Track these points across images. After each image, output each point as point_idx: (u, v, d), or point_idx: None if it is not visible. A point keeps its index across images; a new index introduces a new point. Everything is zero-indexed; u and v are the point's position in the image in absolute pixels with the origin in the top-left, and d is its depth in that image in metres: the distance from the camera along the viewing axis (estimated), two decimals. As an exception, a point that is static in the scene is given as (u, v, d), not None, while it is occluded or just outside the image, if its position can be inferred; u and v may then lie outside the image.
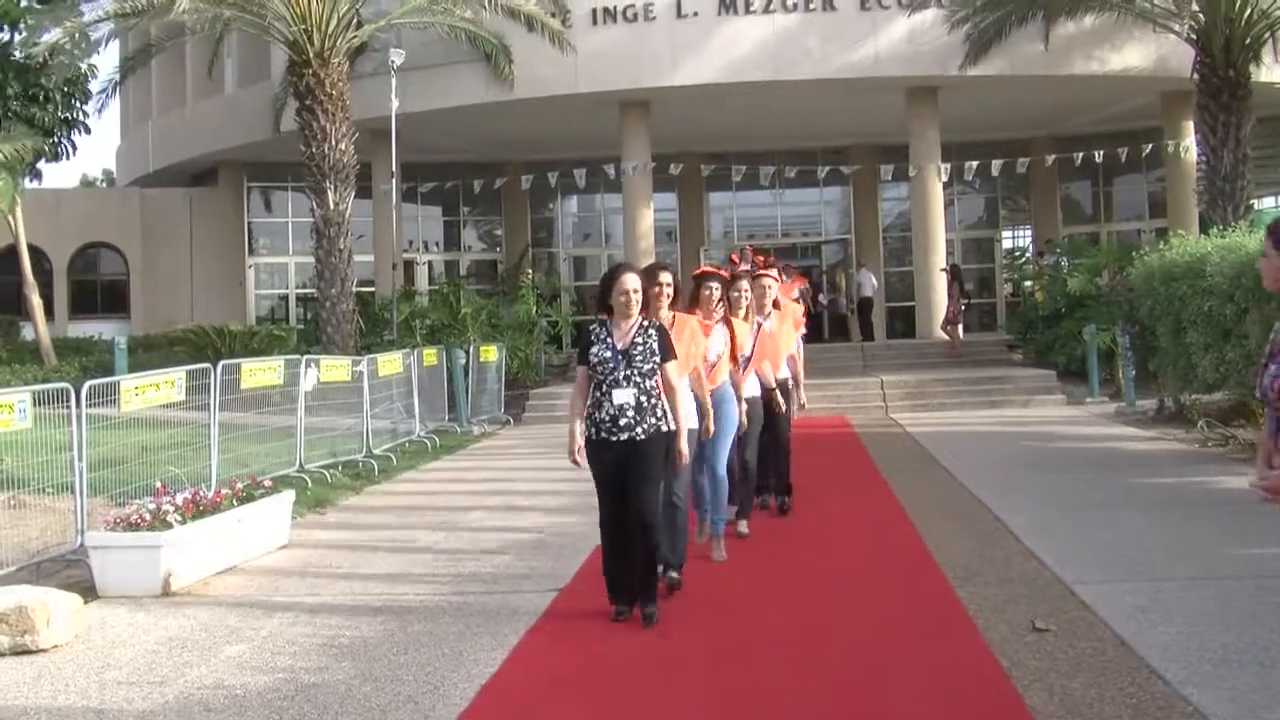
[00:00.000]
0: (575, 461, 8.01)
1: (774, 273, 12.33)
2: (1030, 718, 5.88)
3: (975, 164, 30.82)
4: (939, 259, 30.56)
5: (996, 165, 30.85)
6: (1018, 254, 37.17)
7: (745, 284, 10.87)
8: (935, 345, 29.52)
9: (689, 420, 8.49)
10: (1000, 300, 38.06)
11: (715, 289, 9.94)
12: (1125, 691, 6.20)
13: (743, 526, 11.02)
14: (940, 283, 30.10)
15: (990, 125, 33.23)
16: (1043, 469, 14.97)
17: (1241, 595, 8.03)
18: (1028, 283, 32.01)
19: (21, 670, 7.33)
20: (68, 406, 10.44)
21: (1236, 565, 8.95)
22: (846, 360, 28.27)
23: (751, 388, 10.84)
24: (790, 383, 12.33)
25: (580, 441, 7.99)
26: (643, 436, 7.89)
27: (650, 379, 7.98)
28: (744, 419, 10.26)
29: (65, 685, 6.99)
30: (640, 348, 7.98)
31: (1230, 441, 16.07)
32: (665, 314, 8.68)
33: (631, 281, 8.08)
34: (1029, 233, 38.73)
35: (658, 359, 7.98)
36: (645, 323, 8.12)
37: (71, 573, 9.91)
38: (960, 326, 29.95)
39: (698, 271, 10.44)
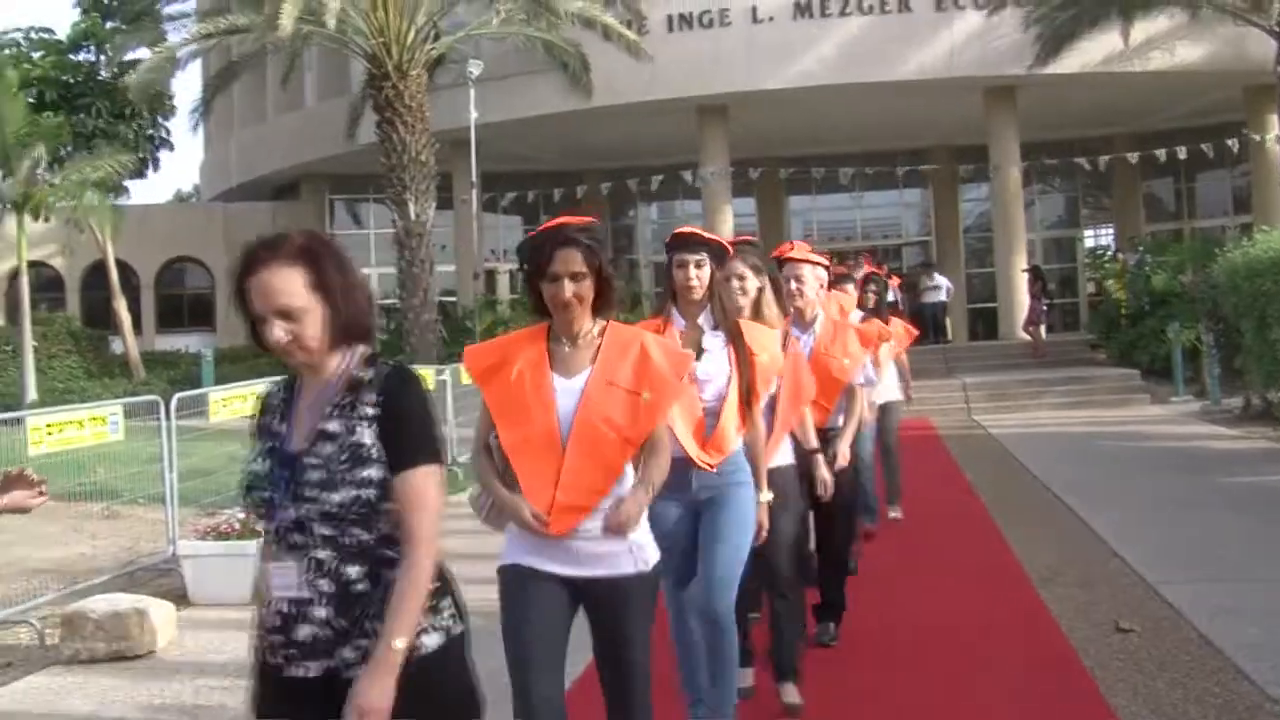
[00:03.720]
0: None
1: (813, 256, 7.51)
2: (1115, 718, 5.88)
3: (1055, 163, 30.60)
4: (1020, 260, 30.37)
5: (1079, 164, 30.59)
6: (1100, 253, 36.82)
7: (797, 271, 7.24)
8: (1018, 346, 29.33)
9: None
10: (1083, 300, 37.66)
11: (696, 265, 5.50)
12: (1210, 692, 6.19)
13: (791, 694, 6.19)
14: (1022, 283, 29.91)
15: (1070, 123, 32.90)
16: (1126, 469, 14.87)
17: (1329, 594, 7.98)
18: (1109, 281, 31.70)
19: (119, 675, 7.51)
20: (157, 418, 10.65)
21: (1324, 564, 8.88)
22: (928, 362, 28.12)
23: (783, 453, 6.32)
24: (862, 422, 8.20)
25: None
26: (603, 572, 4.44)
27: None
28: (762, 519, 5.62)
29: (161, 690, 7.16)
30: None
31: (1319, 439, 15.90)
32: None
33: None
34: (1111, 231, 38.35)
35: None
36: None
37: (163, 581, 10.09)
38: (1043, 327, 29.73)
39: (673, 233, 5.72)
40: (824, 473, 6.73)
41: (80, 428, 9.74)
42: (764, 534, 5.61)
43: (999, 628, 7.74)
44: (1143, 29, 27.37)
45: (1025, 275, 29.91)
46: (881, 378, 10.24)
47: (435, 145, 27.17)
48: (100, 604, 8.09)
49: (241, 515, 9.84)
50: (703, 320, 5.55)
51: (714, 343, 5.51)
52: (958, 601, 8.50)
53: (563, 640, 4.45)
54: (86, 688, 7.27)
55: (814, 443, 6.76)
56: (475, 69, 27.47)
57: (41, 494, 4.30)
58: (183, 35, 28.79)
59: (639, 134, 32.17)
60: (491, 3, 27.64)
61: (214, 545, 9.59)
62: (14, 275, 32.16)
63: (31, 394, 27.61)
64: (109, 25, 34.62)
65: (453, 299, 32.49)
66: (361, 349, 3.36)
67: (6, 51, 36.36)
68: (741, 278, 6.11)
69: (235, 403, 11.83)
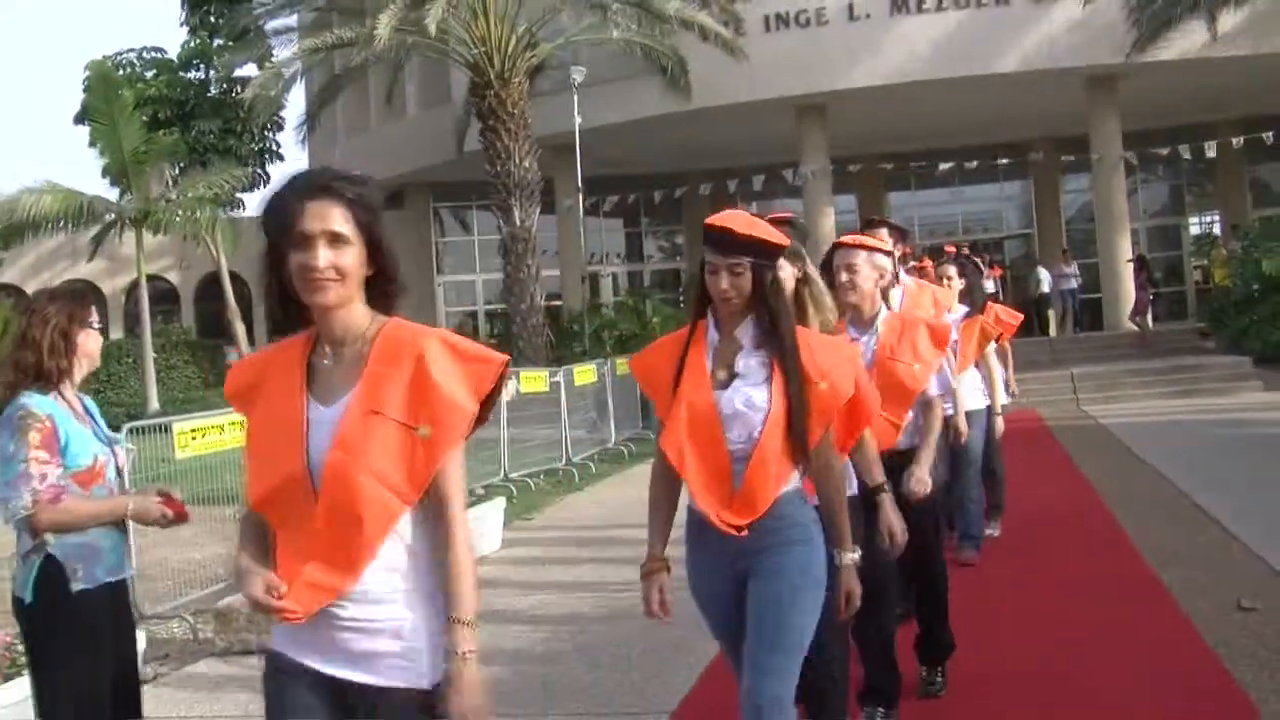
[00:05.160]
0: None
1: (870, 240, 6.40)
2: (1240, 691, 6.03)
3: (1159, 151, 30.37)
4: (1125, 249, 30.21)
5: (1182, 151, 30.33)
6: (1204, 240, 36.46)
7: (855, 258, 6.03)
8: (1124, 336, 29.19)
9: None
10: (1190, 288, 37.33)
11: (731, 271, 4.19)
12: (1334, 665, 6.30)
13: None
14: (1127, 273, 29.74)
15: (1172, 110, 32.59)
16: (1240, 455, 14.84)
17: None
18: (1214, 269, 31.33)
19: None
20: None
21: None
22: (1033, 354, 28.05)
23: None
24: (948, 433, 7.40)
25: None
26: None
27: None
28: (850, 586, 4.42)
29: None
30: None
31: None
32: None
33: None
34: (1217, 217, 37.94)
35: None
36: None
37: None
38: (1149, 316, 29.56)
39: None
40: (891, 518, 5.22)
41: (220, 433, 10.15)
42: (854, 602, 4.39)
43: (1121, 608, 7.84)
44: (1240, 13, 27.06)
45: (1130, 265, 29.74)
46: (961, 381, 8.40)
47: (538, 151, 27.55)
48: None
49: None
50: (742, 333, 4.28)
51: (750, 364, 4.24)
52: (1078, 585, 8.57)
53: None
54: (243, 676, 7.63)
55: (879, 476, 5.27)
56: (579, 75, 27.80)
57: (172, 515, 4.69)
58: (290, 51, 29.45)
59: (738, 134, 32.34)
60: (592, 8, 27.96)
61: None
62: (132, 289, 33.04)
63: (154, 404, 28.36)
64: (216, 44, 35.41)
65: (558, 302, 32.90)
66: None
67: (121, 72, 37.33)
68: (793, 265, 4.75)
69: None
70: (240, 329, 32.91)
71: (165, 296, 38.95)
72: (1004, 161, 33.71)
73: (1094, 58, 28.21)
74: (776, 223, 4.62)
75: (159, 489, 4.76)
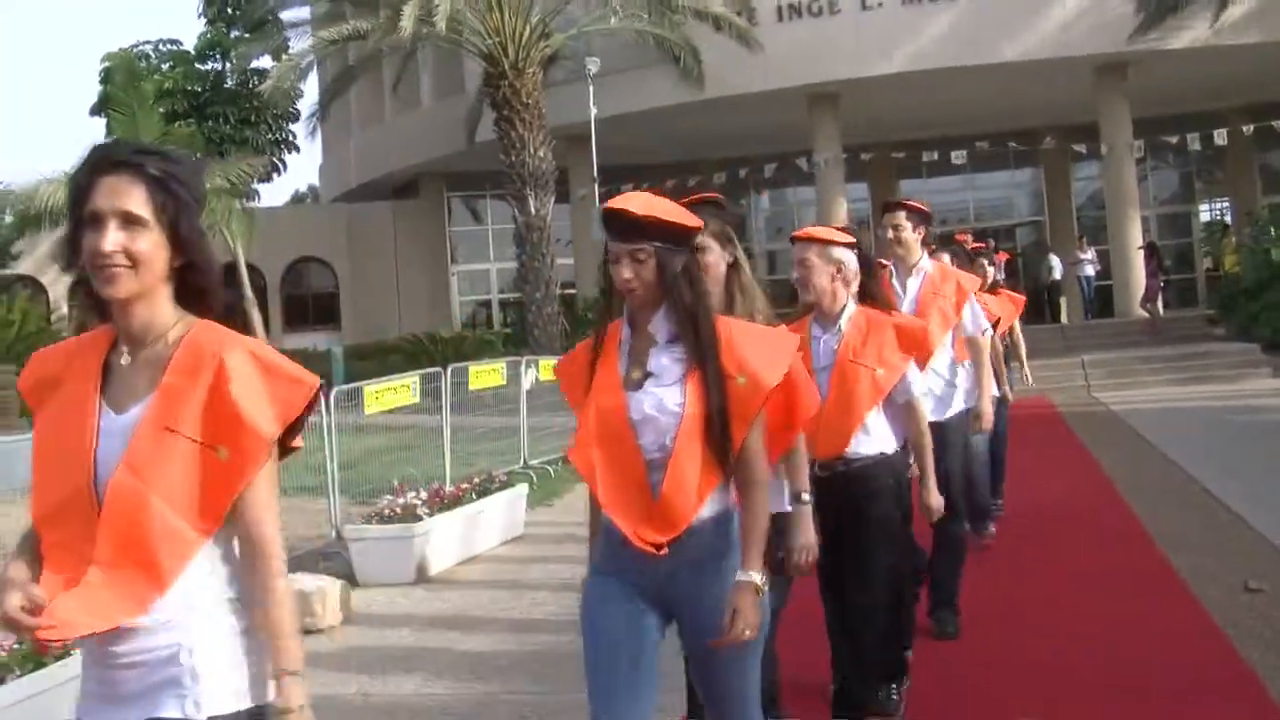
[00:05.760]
0: None
1: (824, 233, 5.75)
2: (1247, 668, 6.25)
3: (1169, 138, 30.49)
4: (1135, 237, 30.36)
5: (1191, 139, 30.47)
6: (1214, 227, 36.58)
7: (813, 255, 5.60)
8: (1135, 323, 29.35)
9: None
10: (1200, 275, 37.46)
11: (633, 259, 3.78)
12: (1340, 643, 6.50)
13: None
14: (1137, 260, 29.91)
15: (1182, 97, 32.66)
16: (1251, 441, 15.04)
17: None
18: (1225, 256, 31.42)
19: (308, 646, 8.08)
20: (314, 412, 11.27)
21: None
22: (1045, 341, 28.20)
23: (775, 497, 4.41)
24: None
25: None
26: None
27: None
28: (742, 607, 3.70)
29: (346, 661, 7.72)
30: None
31: None
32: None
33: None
34: (1227, 205, 38.06)
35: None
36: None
37: (327, 565, 10.68)
38: (1160, 303, 29.73)
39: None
40: (807, 532, 4.70)
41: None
42: (744, 633, 3.68)
43: (1132, 591, 8.02)
44: (1249, 1, 27.15)
45: (1141, 252, 29.90)
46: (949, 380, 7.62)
47: (552, 141, 27.75)
48: (284, 584, 8.71)
49: (401, 501, 10.45)
50: (655, 327, 3.82)
51: (662, 361, 3.78)
52: (1090, 570, 8.75)
53: None
54: None
55: (803, 483, 4.74)
56: (593, 66, 28.02)
57: None
58: (306, 43, 29.66)
59: (751, 124, 32.44)
60: (605, 1, 28.15)
61: (379, 529, 10.19)
62: (149, 279, 33.15)
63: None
64: (233, 35, 35.68)
65: (573, 291, 33.14)
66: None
67: (139, 65, 37.57)
68: (700, 250, 4.28)
69: (386, 395, 12.45)
70: (257, 319, 33.13)
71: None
72: (1015, 148, 33.84)
73: (1103, 46, 28.31)
74: (701, 203, 4.45)
75: None
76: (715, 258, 4.44)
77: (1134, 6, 26.68)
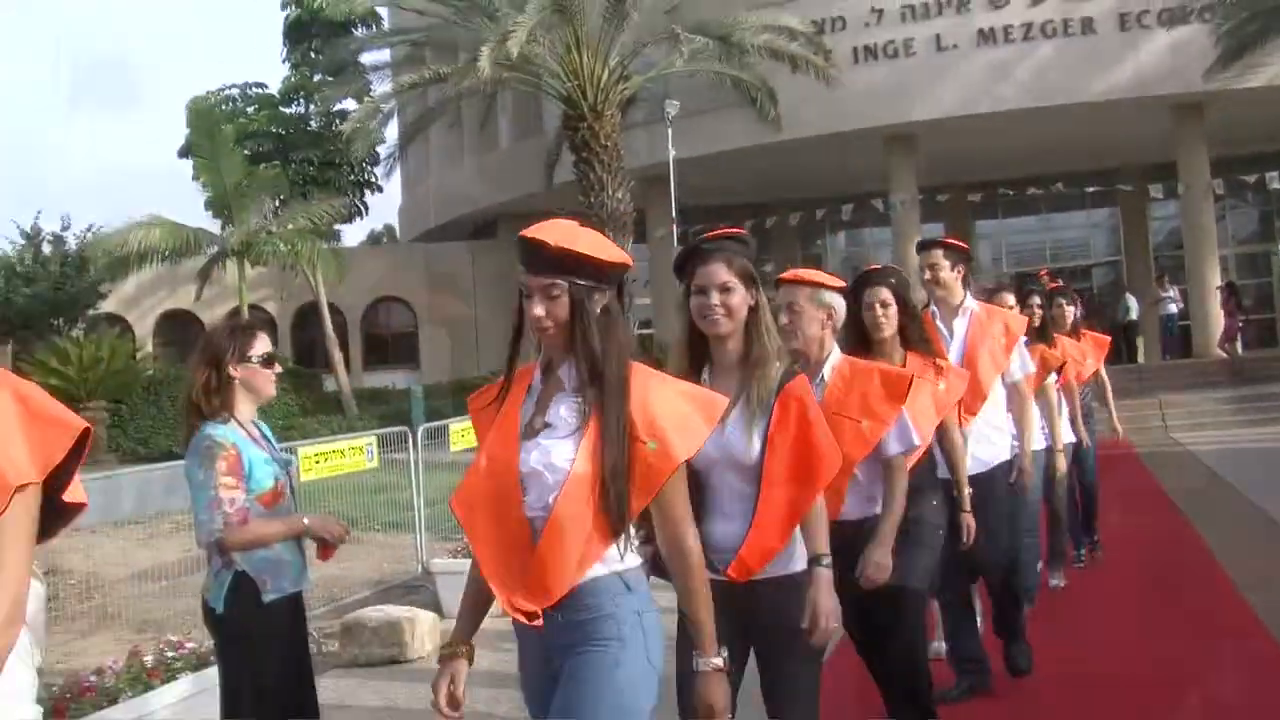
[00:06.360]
0: None
1: (813, 275, 5.12)
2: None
3: (1247, 178, 30.35)
4: (1213, 277, 30.23)
5: (1271, 177, 30.28)
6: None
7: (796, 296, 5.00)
8: (1212, 363, 29.18)
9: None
10: (1279, 314, 37.17)
11: (545, 294, 3.38)
12: None
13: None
14: (1216, 300, 29.77)
15: (1260, 136, 32.48)
16: (1333, 482, 14.95)
17: None
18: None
19: (396, 677, 8.35)
20: (387, 450, 11.58)
21: None
22: (1122, 381, 28.01)
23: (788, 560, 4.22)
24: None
25: None
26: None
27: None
28: (710, 698, 3.46)
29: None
30: None
31: None
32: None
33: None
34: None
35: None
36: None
37: (413, 598, 10.93)
38: (1239, 343, 29.56)
39: None
40: (823, 598, 4.14)
41: (342, 457, 10.72)
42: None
43: (1209, 629, 8.05)
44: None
45: (1219, 292, 29.76)
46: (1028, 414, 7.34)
47: (631, 183, 28.01)
48: (375, 614, 8.99)
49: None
50: (565, 372, 3.46)
51: (560, 412, 3.42)
52: (1167, 609, 8.79)
53: None
54: (371, 686, 8.13)
55: (822, 545, 4.23)
56: (673, 109, 28.29)
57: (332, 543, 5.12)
58: (387, 86, 30.17)
59: (827, 164, 32.59)
60: (676, 42, 28.37)
61: (464, 563, 10.41)
62: (233, 318, 33.68)
63: (257, 432, 28.94)
64: (316, 78, 36.36)
65: (650, 331, 33.36)
66: None
67: (224, 108, 38.35)
68: (726, 290, 4.15)
69: (471, 433, 12.69)
70: (338, 357, 33.61)
71: (264, 326, 39.53)
72: (1091, 189, 33.79)
73: (1180, 85, 28.33)
74: (725, 238, 4.22)
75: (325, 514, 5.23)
76: (740, 299, 4.09)
77: (1212, 45, 26.64)
